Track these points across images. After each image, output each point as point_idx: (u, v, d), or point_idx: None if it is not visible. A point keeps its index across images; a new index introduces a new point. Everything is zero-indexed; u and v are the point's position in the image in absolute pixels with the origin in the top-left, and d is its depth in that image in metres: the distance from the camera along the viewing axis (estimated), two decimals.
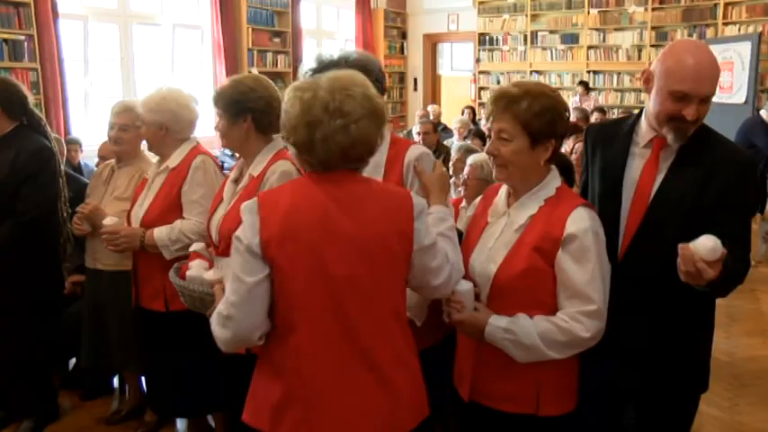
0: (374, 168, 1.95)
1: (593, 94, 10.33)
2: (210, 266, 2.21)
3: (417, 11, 12.15)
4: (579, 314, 1.73)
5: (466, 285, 1.78)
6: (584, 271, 1.73)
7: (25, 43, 6.07)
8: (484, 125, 7.87)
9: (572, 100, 9.79)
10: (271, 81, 2.44)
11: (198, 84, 8.04)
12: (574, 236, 1.73)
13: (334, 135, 1.57)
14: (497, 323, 1.75)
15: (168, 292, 2.68)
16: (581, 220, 1.75)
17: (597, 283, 1.74)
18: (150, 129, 2.78)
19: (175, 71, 8.02)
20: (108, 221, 2.77)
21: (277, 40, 9.22)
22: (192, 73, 8.22)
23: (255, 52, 8.77)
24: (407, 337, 1.72)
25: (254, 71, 8.40)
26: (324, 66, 2.01)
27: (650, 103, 1.88)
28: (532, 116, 1.76)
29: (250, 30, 8.65)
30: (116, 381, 3.71)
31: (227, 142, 2.39)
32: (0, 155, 2.99)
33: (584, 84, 10.15)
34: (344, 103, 1.57)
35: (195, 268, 2.12)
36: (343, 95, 1.58)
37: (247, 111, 2.31)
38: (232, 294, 1.59)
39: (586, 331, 1.72)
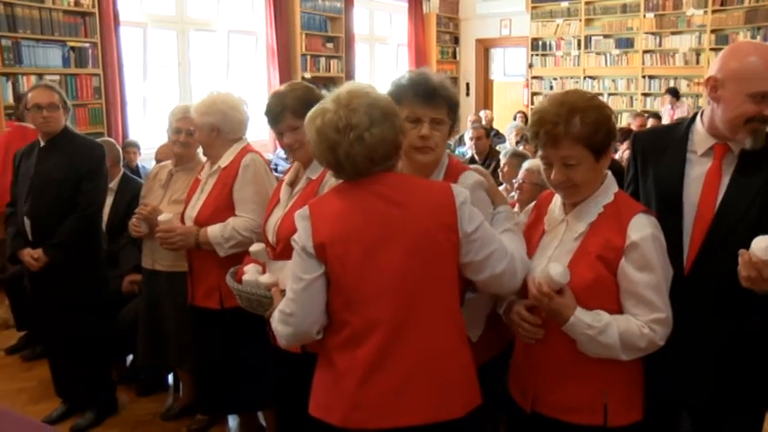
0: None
1: (684, 100, 9.65)
2: (264, 271, 2.24)
3: (470, 16, 12.11)
4: (652, 323, 1.70)
5: (566, 277, 1.70)
6: (649, 279, 1.69)
7: (89, 50, 6.31)
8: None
9: (662, 110, 9.40)
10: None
11: (252, 89, 8.17)
12: (636, 244, 1.70)
13: (353, 149, 1.67)
14: (582, 317, 1.69)
15: (223, 290, 2.73)
16: (643, 228, 1.72)
17: (663, 291, 1.72)
18: (203, 131, 2.84)
19: (230, 76, 8.18)
20: (163, 218, 2.84)
21: (330, 45, 9.31)
22: (247, 78, 8.36)
23: (309, 57, 8.88)
24: (459, 328, 1.77)
25: (307, 76, 8.50)
26: None
27: (719, 110, 1.82)
28: (592, 132, 1.72)
29: (303, 35, 8.77)
30: (170, 378, 3.79)
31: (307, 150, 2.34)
32: (56, 155, 3.15)
33: (672, 91, 9.48)
34: (351, 118, 1.67)
35: (250, 273, 2.18)
36: (346, 111, 1.68)
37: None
38: (292, 293, 1.71)
39: (660, 339, 1.71)
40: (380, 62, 10.97)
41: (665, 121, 8.28)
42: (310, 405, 1.79)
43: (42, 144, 3.21)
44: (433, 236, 1.68)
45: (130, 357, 3.87)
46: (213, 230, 2.72)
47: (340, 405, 1.70)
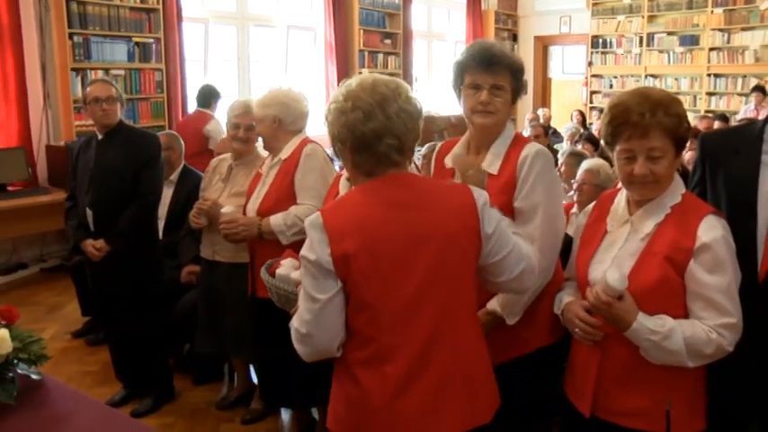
0: (494, 158, 2.05)
1: None
2: (300, 266, 2.26)
3: (528, 13, 11.97)
4: (721, 327, 1.65)
5: (624, 283, 1.67)
6: (719, 282, 1.65)
7: (153, 45, 6.47)
8: (596, 129, 7.66)
9: (744, 108, 9.04)
10: None
11: (310, 84, 8.24)
12: (707, 246, 1.65)
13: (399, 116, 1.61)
14: (645, 322, 1.66)
15: None
16: (713, 229, 1.67)
17: (733, 294, 1.67)
18: (264, 123, 2.88)
19: (289, 71, 8.27)
20: (226, 210, 2.89)
21: (388, 41, 9.33)
22: (305, 73, 8.44)
23: (366, 53, 8.92)
24: (479, 332, 1.74)
25: (365, 72, 8.53)
26: None
27: None
28: (677, 126, 1.69)
29: (362, 31, 8.80)
30: (226, 368, 3.85)
31: None
32: (114, 146, 3.26)
33: (760, 89, 8.89)
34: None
35: (285, 267, 2.12)
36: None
37: None
38: (307, 313, 1.58)
39: (729, 345, 1.66)
40: (438, 59, 10.94)
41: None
42: (330, 419, 1.70)
43: (100, 137, 3.31)
44: (458, 239, 1.61)
45: (187, 346, 3.96)
46: (276, 219, 2.76)
47: (369, 423, 1.61)
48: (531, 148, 2.04)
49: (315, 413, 3.24)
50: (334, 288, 1.57)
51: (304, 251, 1.59)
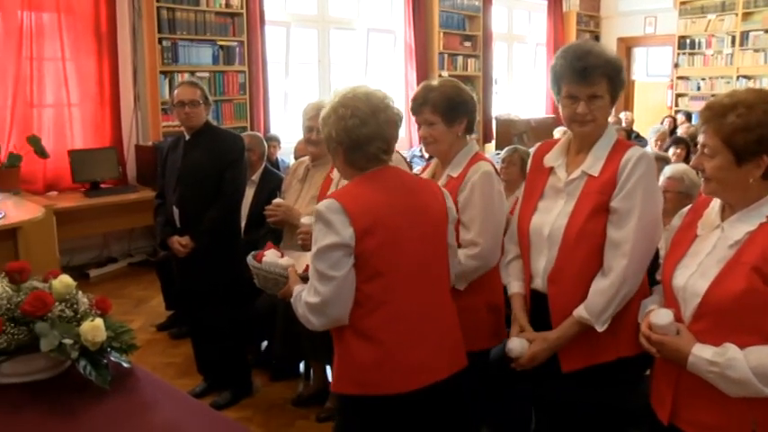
0: (595, 160, 2.05)
1: None
2: (282, 256, 2.42)
3: (612, 13, 11.66)
4: None
5: (666, 317, 1.69)
6: None
7: (237, 48, 6.65)
8: (681, 133, 7.40)
9: None
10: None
11: (389, 87, 8.28)
12: None
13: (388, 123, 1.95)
14: (702, 354, 1.61)
15: None
16: None
17: None
18: None
19: (368, 74, 8.34)
20: (305, 220, 2.92)
21: (468, 43, 9.28)
22: (384, 76, 8.49)
23: (446, 56, 8.89)
24: (450, 295, 2.08)
25: (445, 75, 8.52)
26: None
27: None
28: (736, 131, 1.61)
29: (441, 34, 8.78)
30: (302, 366, 3.92)
31: (443, 146, 2.41)
32: (201, 147, 3.36)
33: None
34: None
35: (270, 255, 2.39)
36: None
37: (464, 114, 2.38)
38: (324, 288, 1.83)
39: None
40: (518, 61, 10.81)
41: None
42: (348, 384, 1.92)
43: (187, 138, 3.42)
44: (440, 218, 2.01)
45: (265, 343, 4.05)
46: None
47: (387, 376, 1.87)
48: (635, 151, 2.03)
49: None
50: (348, 265, 1.84)
51: (321, 238, 1.84)
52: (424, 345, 1.92)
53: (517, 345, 2.09)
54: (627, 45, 11.86)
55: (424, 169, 2.63)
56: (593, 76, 1.98)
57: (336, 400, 2.17)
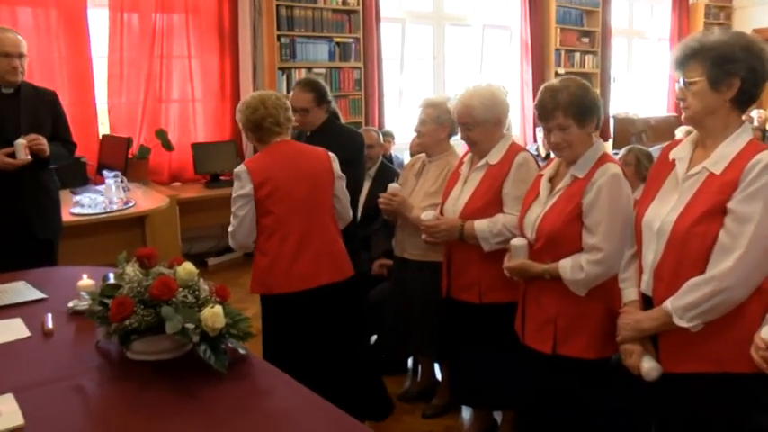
0: (720, 157, 1.90)
1: None
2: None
3: (746, 3, 10.89)
4: None
5: None
6: None
7: (353, 45, 6.74)
8: None
9: None
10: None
11: (504, 83, 8.14)
12: None
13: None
14: None
15: (483, 284, 2.79)
16: None
17: None
18: (486, 126, 2.81)
19: (483, 70, 8.25)
20: (426, 216, 2.92)
21: (585, 39, 9.00)
22: (499, 72, 8.36)
23: (563, 52, 8.65)
24: (336, 229, 3.00)
25: (561, 72, 8.30)
26: None
27: None
28: None
29: (558, 29, 8.55)
30: (410, 361, 3.92)
31: (578, 150, 2.34)
32: (319, 143, 3.36)
33: None
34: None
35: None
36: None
37: (595, 113, 2.31)
38: (233, 220, 2.80)
39: None
40: (638, 58, 10.37)
41: None
42: (252, 286, 2.87)
43: (308, 134, 3.49)
44: (322, 175, 2.91)
45: (374, 337, 4.08)
46: (480, 225, 2.74)
47: (278, 280, 2.80)
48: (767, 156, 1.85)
49: (497, 414, 3.21)
50: (247, 208, 2.78)
51: (235, 190, 2.79)
52: (303, 259, 2.81)
53: (654, 368, 1.97)
54: (765, 37, 11.02)
55: (545, 167, 2.56)
56: (688, 60, 1.91)
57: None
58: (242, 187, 2.76)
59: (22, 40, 3.36)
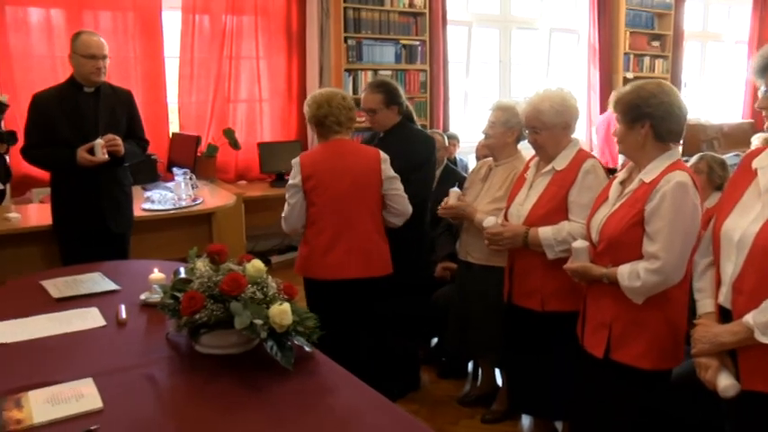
0: None
1: None
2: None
3: None
4: None
5: None
6: None
7: (419, 48, 6.75)
8: None
9: None
10: (675, 89, 2.31)
11: (571, 87, 8.02)
12: None
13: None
14: None
15: (545, 291, 2.76)
16: None
17: None
18: (554, 131, 2.77)
19: (550, 74, 8.14)
20: (488, 223, 2.90)
21: (656, 43, 8.77)
22: (566, 76, 8.24)
23: (632, 56, 8.45)
24: (379, 231, 3.14)
25: (629, 76, 8.12)
26: None
27: None
28: None
29: (628, 33, 8.36)
30: (471, 366, 3.90)
31: (623, 147, 2.33)
32: (392, 145, 3.38)
33: None
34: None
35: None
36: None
37: (645, 117, 2.23)
38: (286, 207, 3.08)
39: None
40: (712, 62, 10.05)
41: None
42: (296, 267, 3.17)
43: (381, 135, 3.51)
44: (367, 174, 3.04)
45: (435, 340, 4.08)
46: (545, 232, 2.70)
47: (312, 267, 3.08)
48: None
49: (558, 424, 3.16)
50: (297, 197, 3.04)
51: (290, 179, 3.06)
52: (335, 252, 3.02)
53: (732, 385, 1.88)
54: None
55: (621, 168, 2.52)
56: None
57: None
58: (294, 177, 3.03)
59: (104, 42, 3.52)
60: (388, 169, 3.07)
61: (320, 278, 3.06)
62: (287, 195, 3.06)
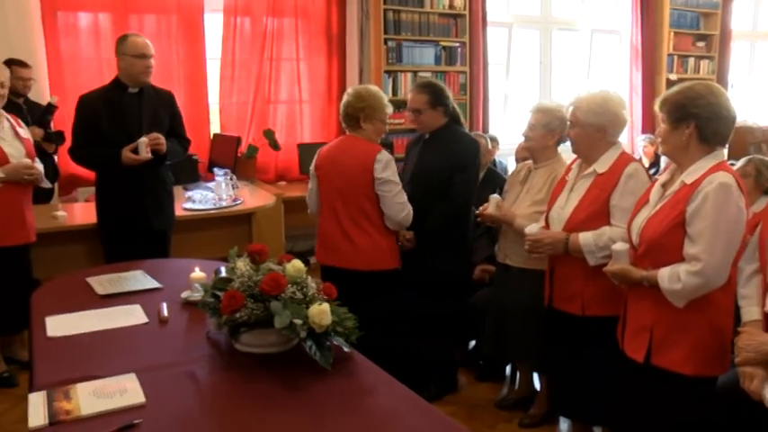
0: None
1: None
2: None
3: None
4: None
5: None
6: None
7: (459, 49, 6.72)
8: None
9: None
10: (725, 91, 2.26)
11: (613, 88, 7.90)
12: None
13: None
14: None
15: (585, 296, 2.73)
16: None
17: None
18: (587, 130, 2.75)
19: (591, 76, 8.04)
20: (529, 230, 2.87)
21: (701, 44, 8.59)
22: (608, 78, 8.11)
23: (676, 57, 8.29)
24: (370, 222, 3.19)
25: (673, 77, 7.97)
26: None
27: None
28: None
29: (672, 33, 8.20)
30: (508, 369, 3.88)
31: (666, 148, 2.30)
32: (437, 147, 3.38)
33: None
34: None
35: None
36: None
37: (691, 117, 2.19)
38: (308, 194, 3.41)
39: None
40: (761, 62, 9.79)
41: None
42: (316, 255, 3.39)
43: (427, 136, 3.50)
44: (356, 174, 3.13)
45: (473, 343, 4.06)
46: (586, 238, 2.67)
47: (320, 250, 3.35)
48: None
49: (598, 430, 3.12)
50: (313, 183, 3.34)
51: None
52: (324, 240, 3.30)
53: None
54: None
55: (662, 172, 2.47)
56: None
57: None
58: (313, 163, 3.33)
59: (150, 43, 3.59)
60: (382, 170, 3.09)
61: (321, 262, 3.36)
62: (311, 183, 3.38)
